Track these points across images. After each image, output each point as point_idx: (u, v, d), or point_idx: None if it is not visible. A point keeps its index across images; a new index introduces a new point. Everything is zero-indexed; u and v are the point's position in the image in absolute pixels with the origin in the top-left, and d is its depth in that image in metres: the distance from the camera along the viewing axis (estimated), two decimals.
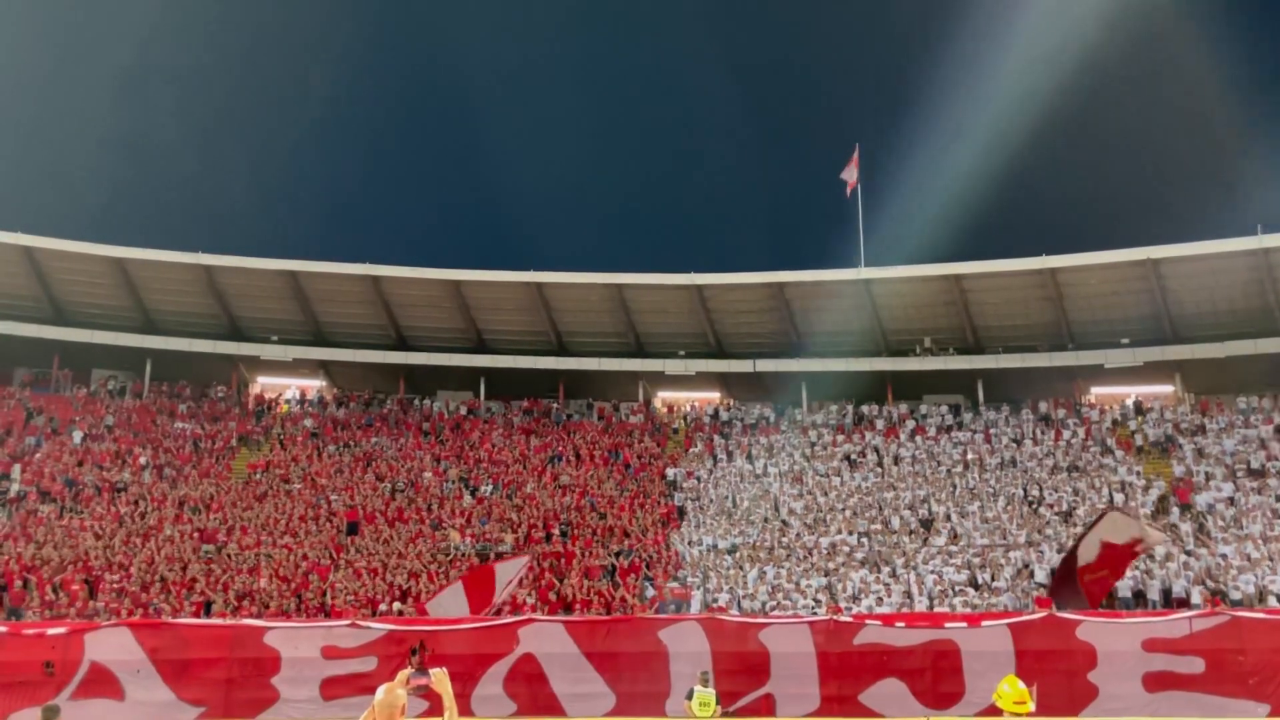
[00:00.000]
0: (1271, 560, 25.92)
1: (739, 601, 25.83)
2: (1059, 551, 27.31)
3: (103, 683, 17.62)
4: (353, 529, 30.63)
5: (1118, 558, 23.19)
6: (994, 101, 52.82)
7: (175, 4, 74.07)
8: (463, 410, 40.75)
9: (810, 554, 28.44)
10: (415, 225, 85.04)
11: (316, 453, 36.42)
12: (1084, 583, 22.94)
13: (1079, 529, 28.46)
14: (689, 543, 29.94)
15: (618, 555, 28.89)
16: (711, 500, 32.92)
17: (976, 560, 27.59)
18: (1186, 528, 28.26)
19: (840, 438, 36.89)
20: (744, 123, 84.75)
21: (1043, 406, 37.61)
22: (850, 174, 42.55)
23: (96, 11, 70.49)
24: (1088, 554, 23.49)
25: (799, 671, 17.63)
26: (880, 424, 37.85)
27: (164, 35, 75.20)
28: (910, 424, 37.46)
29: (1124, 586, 25.08)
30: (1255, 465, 31.52)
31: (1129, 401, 37.81)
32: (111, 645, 17.91)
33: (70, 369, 40.77)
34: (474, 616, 21.24)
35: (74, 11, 70.47)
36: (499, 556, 27.57)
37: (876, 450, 35.61)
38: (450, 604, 22.30)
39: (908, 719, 16.89)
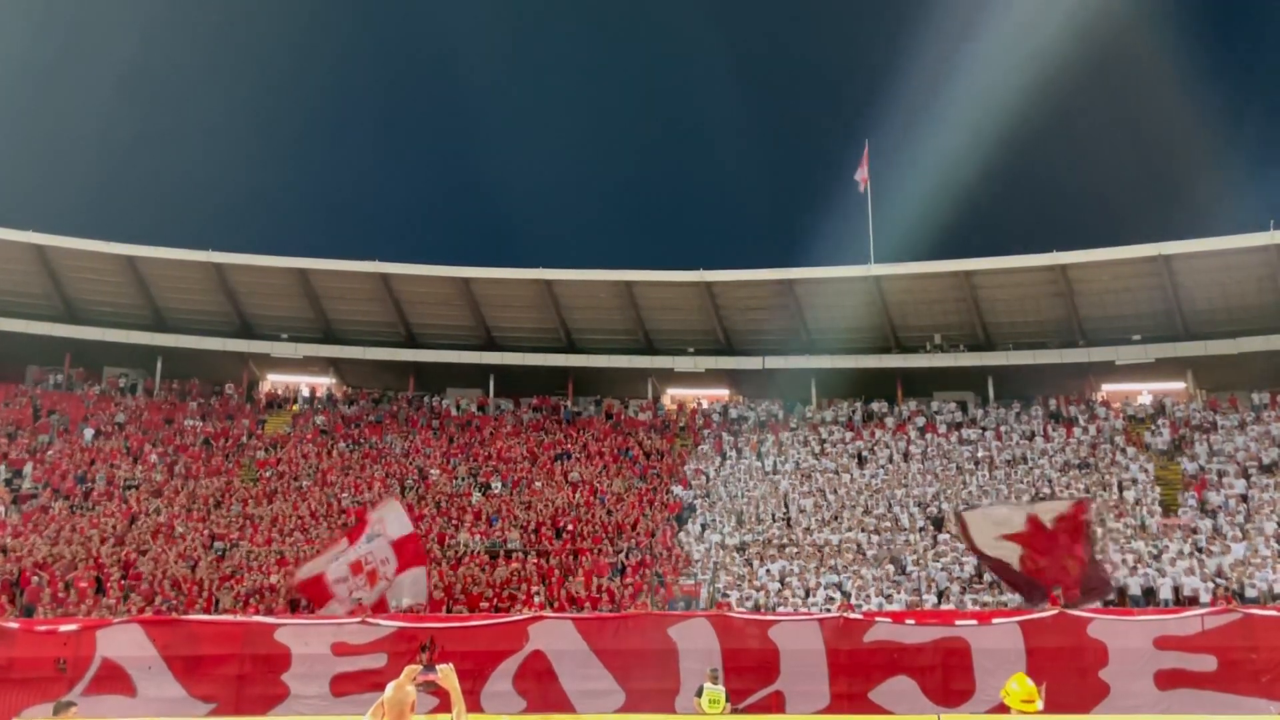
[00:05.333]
0: None
1: (753, 598, 25.79)
2: None
3: (114, 679, 17.71)
4: None
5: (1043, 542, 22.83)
6: (1005, 96, 52.67)
7: (185, 0, 74.34)
8: (472, 407, 40.83)
9: (820, 551, 28.39)
10: (424, 223, 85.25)
11: (326, 450, 36.51)
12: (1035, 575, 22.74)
13: (1093, 526, 28.35)
14: (698, 540, 29.92)
15: (626, 553, 28.88)
16: (720, 497, 32.89)
17: None
18: (1199, 525, 28.11)
19: (850, 435, 36.82)
20: (753, 119, 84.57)
21: (1054, 403, 37.48)
22: (861, 172, 42.52)
23: (105, 9, 70.76)
24: (1003, 554, 23.33)
25: (809, 669, 17.61)
26: (890, 421, 37.76)
27: (172, 32, 75.49)
28: (920, 421, 37.36)
29: (1134, 584, 25.00)
30: (1267, 461, 31.35)
31: (1142, 399, 37.67)
32: (123, 642, 18.00)
33: (81, 367, 40.97)
34: (478, 614, 21.26)
35: (82, 9, 70.73)
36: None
37: (886, 447, 35.53)
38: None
39: (918, 717, 16.84)
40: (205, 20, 79.28)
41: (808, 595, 25.74)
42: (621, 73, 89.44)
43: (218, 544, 29.29)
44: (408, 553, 23.37)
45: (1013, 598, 24.95)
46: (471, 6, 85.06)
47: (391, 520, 23.55)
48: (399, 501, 25.89)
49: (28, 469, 33.70)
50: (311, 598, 22.90)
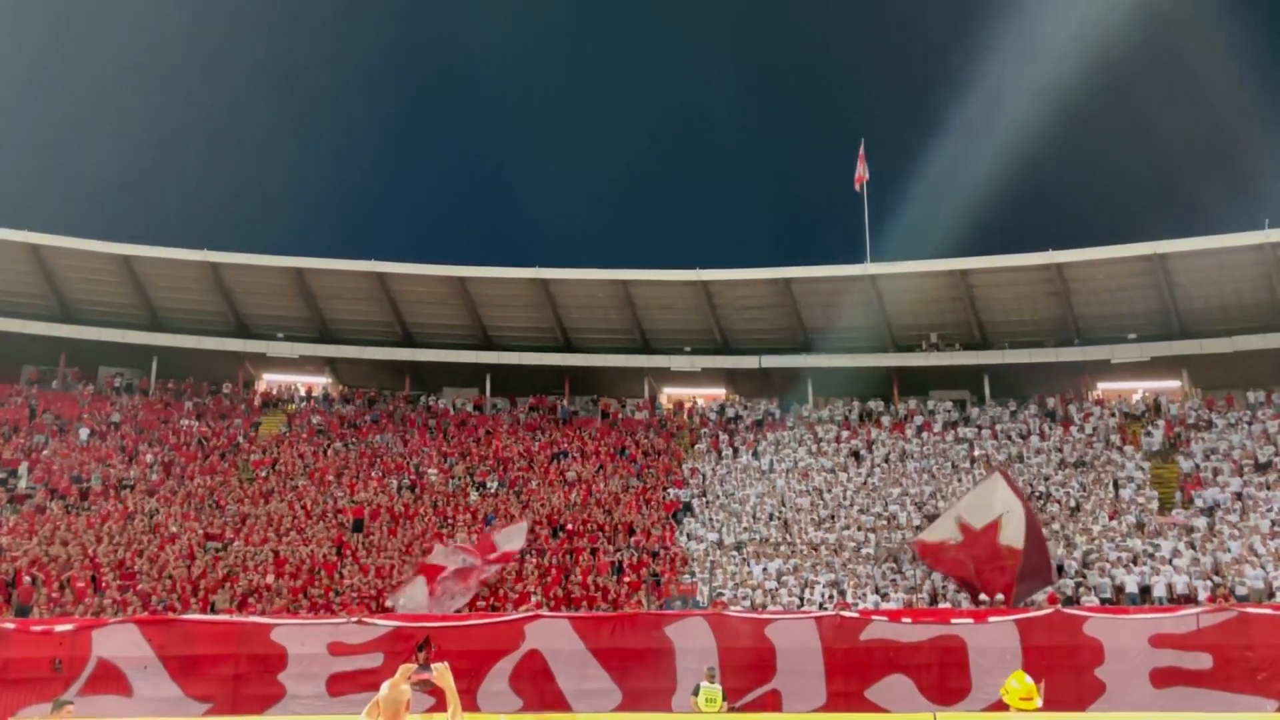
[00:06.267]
0: (1279, 556, 25.81)
1: (749, 597, 25.80)
2: (1065, 547, 27.24)
3: (110, 679, 17.69)
4: (358, 526, 30.65)
5: (980, 555, 22.98)
6: (1001, 96, 52.73)
7: (183, 1, 74.22)
8: (468, 407, 40.79)
9: (816, 550, 28.41)
10: (421, 222, 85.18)
11: (322, 450, 36.47)
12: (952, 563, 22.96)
13: (1089, 524, 28.40)
14: (695, 539, 29.93)
15: (623, 552, 28.88)
16: (717, 496, 32.90)
17: None
18: (1195, 523, 28.15)
19: (846, 434, 36.84)
20: (751, 118, 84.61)
21: (1049, 402, 37.53)
22: (858, 171, 42.55)
23: (103, 8, 70.60)
24: (943, 531, 23.48)
25: (805, 667, 17.63)
26: (886, 420, 37.79)
27: (170, 32, 75.32)
28: (917, 420, 37.39)
29: (1130, 582, 25.03)
30: (1262, 460, 31.41)
31: (1138, 398, 37.71)
32: (119, 642, 17.98)
33: (77, 366, 40.90)
34: (474, 612, 21.26)
35: (80, 8, 70.59)
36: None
37: (883, 446, 35.56)
38: (415, 595, 22.74)
39: (914, 715, 16.86)
40: (203, 19, 79.17)
41: (804, 594, 25.76)
42: (619, 72, 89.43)
43: (213, 543, 29.27)
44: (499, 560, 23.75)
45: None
46: (470, 5, 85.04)
47: (506, 539, 23.80)
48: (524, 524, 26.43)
49: (23, 469, 33.64)
50: (425, 574, 23.50)
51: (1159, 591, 24.70)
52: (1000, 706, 9.42)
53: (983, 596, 23.28)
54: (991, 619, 18.27)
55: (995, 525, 23.29)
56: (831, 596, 25.33)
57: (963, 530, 23.53)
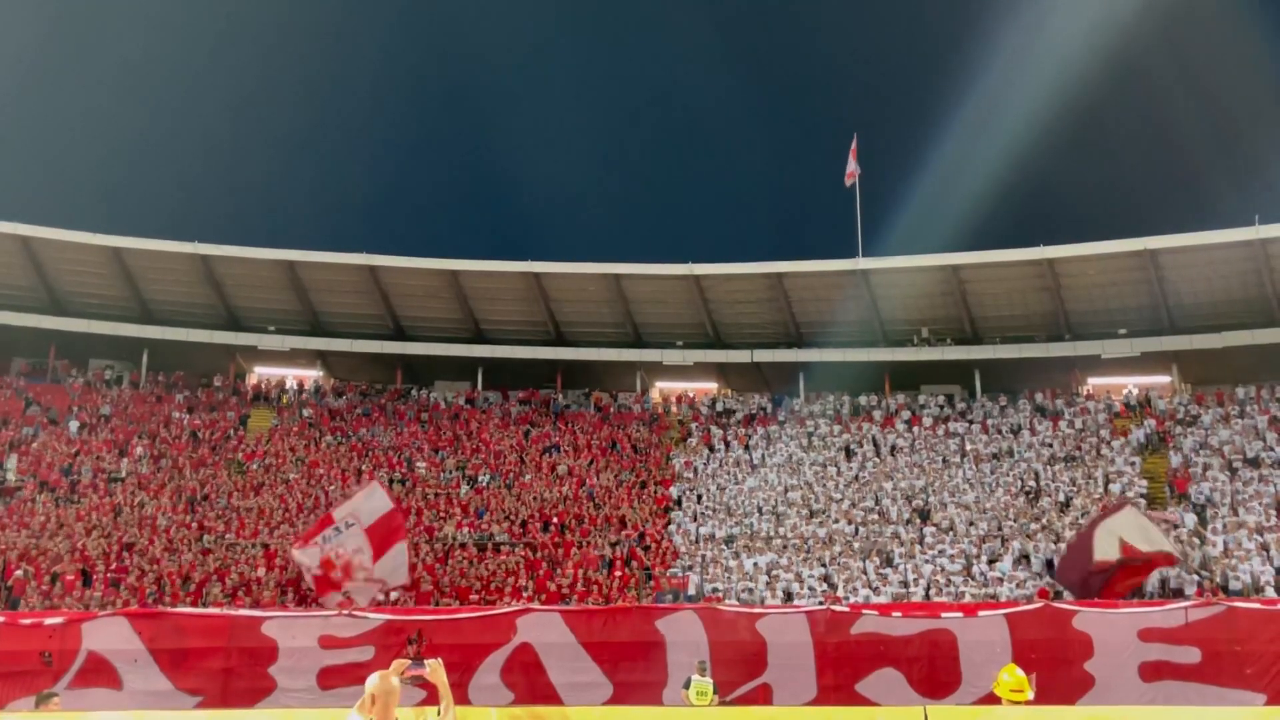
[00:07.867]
0: (1268, 550, 25.96)
1: (742, 590, 25.85)
2: (1056, 541, 27.34)
3: (100, 672, 17.61)
4: None
5: (1137, 569, 23.18)
6: (992, 93, 52.81)
7: None
8: (460, 400, 40.75)
9: (807, 544, 28.47)
10: (413, 215, 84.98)
11: (314, 443, 36.40)
12: (1096, 578, 22.93)
13: (1079, 518, 28.51)
14: (686, 533, 29.96)
15: (615, 545, 28.91)
16: (708, 490, 32.94)
17: (973, 550, 27.63)
18: (1185, 518, 28.28)
19: (838, 428, 36.90)
20: (744, 113, 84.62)
21: (1040, 397, 37.63)
22: (850, 166, 42.56)
23: (95, 2, 70.21)
24: (1105, 549, 23.40)
25: (796, 661, 17.62)
26: (878, 414, 37.86)
27: (162, 26, 74.96)
28: (907, 414, 37.47)
29: None
30: (1251, 455, 31.55)
31: (1127, 391, 37.85)
32: (109, 635, 17.90)
33: (67, 359, 40.76)
34: (467, 606, 21.27)
35: (73, 2, 70.18)
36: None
37: (874, 440, 35.63)
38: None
39: (904, 708, 16.88)
40: (197, 14, 78.81)
41: (795, 588, 25.82)
42: (612, 66, 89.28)
43: (205, 537, 29.20)
44: (382, 534, 23.17)
45: (1000, 590, 25.12)
46: (464, 1, 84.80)
47: (366, 508, 23.32)
48: (378, 483, 25.66)
49: (11, 461, 33.52)
50: (317, 590, 22.98)
51: (1148, 586, 24.79)
52: (991, 699, 9.46)
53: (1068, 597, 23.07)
54: (981, 613, 18.31)
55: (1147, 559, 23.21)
56: (818, 590, 25.40)
57: (1124, 551, 23.41)
